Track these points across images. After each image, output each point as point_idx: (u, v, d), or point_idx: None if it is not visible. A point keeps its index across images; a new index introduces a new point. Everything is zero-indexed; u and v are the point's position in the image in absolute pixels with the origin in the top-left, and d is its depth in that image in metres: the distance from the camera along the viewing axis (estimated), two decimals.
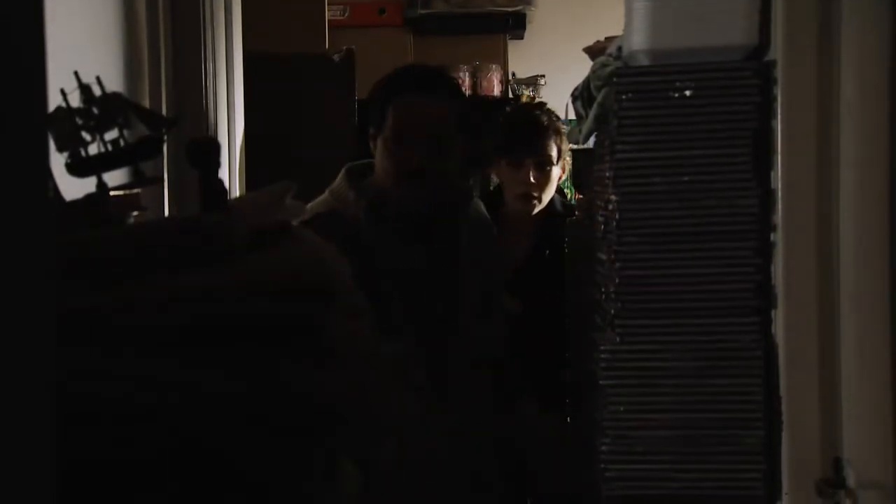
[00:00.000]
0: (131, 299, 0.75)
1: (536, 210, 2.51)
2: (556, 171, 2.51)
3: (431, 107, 1.96)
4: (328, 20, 3.38)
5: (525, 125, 2.52)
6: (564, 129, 2.54)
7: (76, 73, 0.87)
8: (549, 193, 2.52)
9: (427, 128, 1.95)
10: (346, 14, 4.16)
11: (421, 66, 2.17)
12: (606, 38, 2.08)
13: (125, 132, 0.90)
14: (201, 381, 0.75)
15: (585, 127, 1.81)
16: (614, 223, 1.50)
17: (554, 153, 2.48)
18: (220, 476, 0.77)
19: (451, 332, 2.00)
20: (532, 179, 2.46)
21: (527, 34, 4.49)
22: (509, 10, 4.29)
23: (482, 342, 2.05)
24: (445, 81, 2.07)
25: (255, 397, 0.77)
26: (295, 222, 1.70)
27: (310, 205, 1.92)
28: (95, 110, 0.88)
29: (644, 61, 1.51)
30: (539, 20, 4.50)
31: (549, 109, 2.65)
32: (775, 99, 1.45)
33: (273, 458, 0.80)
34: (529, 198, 2.48)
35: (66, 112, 0.86)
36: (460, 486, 1.95)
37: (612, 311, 1.52)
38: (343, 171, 2.07)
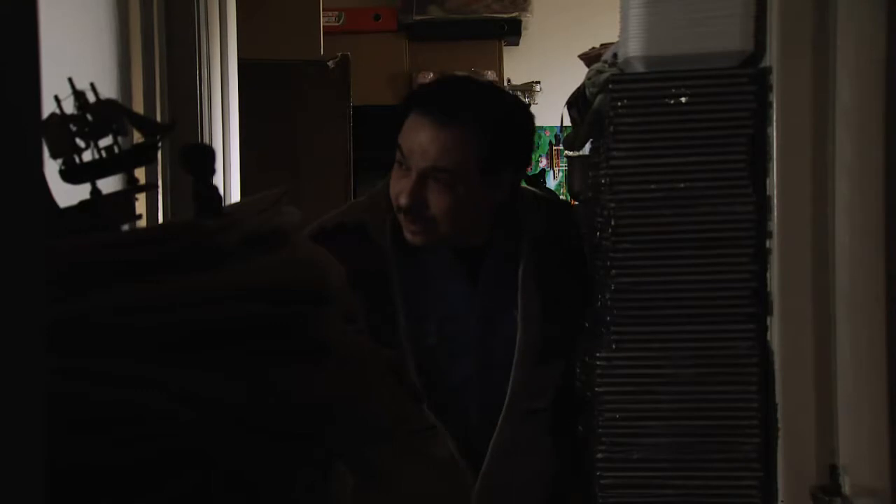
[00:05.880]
0: (126, 303, 0.75)
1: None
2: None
3: (435, 131, 1.53)
4: (323, 26, 3.38)
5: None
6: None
7: (70, 80, 0.87)
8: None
9: (421, 158, 1.53)
10: (341, 20, 4.16)
11: (449, 77, 1.68)
12: (602, 45, 2.08)
13: (119, 139, 0.89)
14: (195, 384, 0.75)
15: (581, 134, 1.81)
16: (610, 230, 1.50)
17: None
18: (214, 479, 0.77)
19: (484, 395, 1.68)
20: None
21: (522, 40, 4.50)
22: (505, 16, 4.29)
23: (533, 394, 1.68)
24: (470, 98, 1.57)
25: (250, 400, 0.77)
26: (308, 229, 1.61)
27: (346, 206, 1.76)
28: (90, 117, 0.87)
29: (639, 68, 1.51)
30: (535, 26, 4.51)
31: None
32: (771, 105, 1.45)
33: (267, 460, 0.80)
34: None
35: (59, 118, 0.86)
36: None
37: (608, 318, 1.51)
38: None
